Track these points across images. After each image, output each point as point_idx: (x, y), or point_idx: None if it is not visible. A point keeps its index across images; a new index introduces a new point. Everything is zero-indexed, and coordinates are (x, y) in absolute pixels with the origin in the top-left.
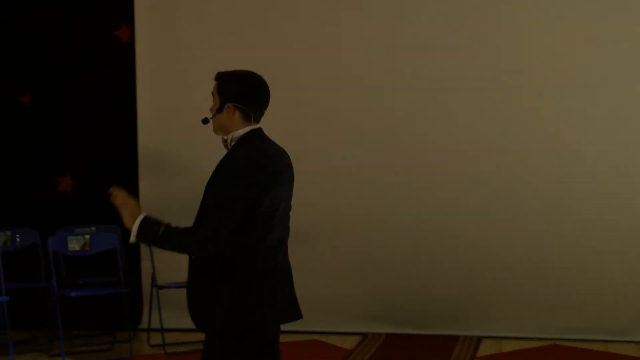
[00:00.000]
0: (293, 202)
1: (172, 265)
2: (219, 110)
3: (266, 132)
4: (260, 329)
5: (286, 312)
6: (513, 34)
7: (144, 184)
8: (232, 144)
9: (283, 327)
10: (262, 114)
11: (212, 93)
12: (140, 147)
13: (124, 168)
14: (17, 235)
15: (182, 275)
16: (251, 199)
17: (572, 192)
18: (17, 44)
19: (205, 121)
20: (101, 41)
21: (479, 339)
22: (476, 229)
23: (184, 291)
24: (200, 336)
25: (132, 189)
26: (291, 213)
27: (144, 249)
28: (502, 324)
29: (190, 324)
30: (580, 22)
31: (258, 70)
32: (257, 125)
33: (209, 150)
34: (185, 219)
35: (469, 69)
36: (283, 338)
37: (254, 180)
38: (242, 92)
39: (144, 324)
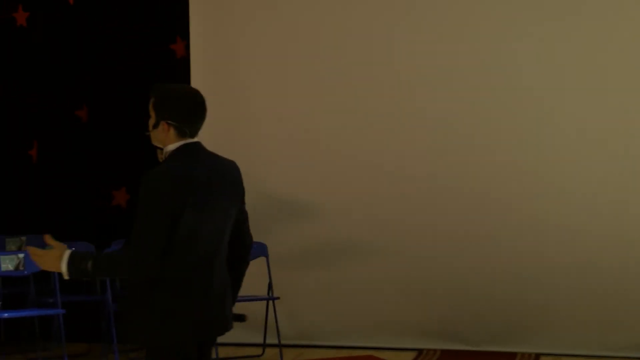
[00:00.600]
0: (339, 220)
1: None
2: (154, 126)
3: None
4: (176, 346)
5: (206, 330)
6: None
7: None
8: (165, 157)
9: (340, 343)
10: (198, 128)
11: (149, 108)
12: None
13: None
14: (73, 249)
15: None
16: (170, 217)
17: (636, 203)
18: (73, 58)
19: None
20: (157, 54)
21: (538, 356)
22: (534, 243)
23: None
24: (253, 351)
25: None
26: (347, 231)
27: None
28: (562, 341)
29: (243, 339)
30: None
31: (313, 82)
32: (193, 139)
33: (263, 162)
34: None
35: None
36: (337, 353)
37: (166, 198)
38: (176, 109)
39: None
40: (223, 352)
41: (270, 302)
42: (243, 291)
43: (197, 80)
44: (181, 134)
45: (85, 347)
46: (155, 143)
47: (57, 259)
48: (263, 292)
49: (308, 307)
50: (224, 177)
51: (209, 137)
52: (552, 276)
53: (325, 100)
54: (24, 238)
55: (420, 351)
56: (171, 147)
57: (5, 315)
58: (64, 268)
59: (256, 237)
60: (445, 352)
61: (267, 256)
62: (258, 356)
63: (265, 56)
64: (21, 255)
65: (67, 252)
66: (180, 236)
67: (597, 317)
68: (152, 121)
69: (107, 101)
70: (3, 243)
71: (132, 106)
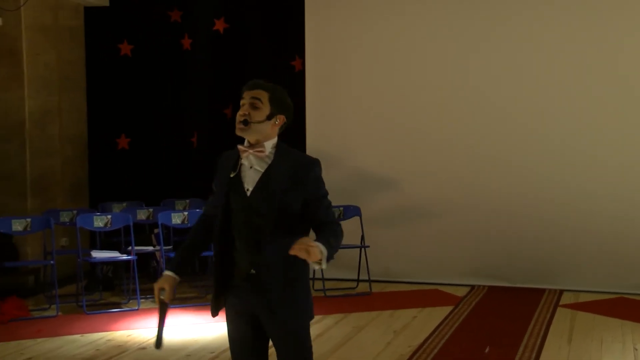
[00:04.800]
0: (412, 189)
1: None
2: (269, 117)
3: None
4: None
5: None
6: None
7: None
8: (271, 150)
9: (413, 279)
10: None
11: (262, 100)
12: (308, 150)
13: None
14: None
15: None
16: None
17: None
18: (222, 72)
19: (245, 123)
20: (281, 69)
21: (561, 291)
22: (562, 206)
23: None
24: (349, 284)
25: None
26: (418, 198)
27: None
28: (580, 280)
29: (342, 276)
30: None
31: (395, 88)
32: None
33: (358, 146)
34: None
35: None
36: (411, 287)
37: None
38: (290, 110)
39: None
40: (328, 284)
41: (363, 249)
42: (343, 241)
43: (311, 88)
44: (279, 132)
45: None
46: (254, 134)
47: None
48: (357, 242)
49: (390, 253)
50: None
51: (319, 130)
52: (573, 234)
53: (401, 100)
54: (188, 201)
55: (472, 287)
56: (273, 141)
57: None
58: None
59: (352, 201)
60: (491, 288)
61: (360, 216)
62: (353, 288)
63: (359, 68)
64: (186, 213)
65: None
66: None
67: (606, 263)
68: (265, 112)
69: None
70: (173, 204)
71: None
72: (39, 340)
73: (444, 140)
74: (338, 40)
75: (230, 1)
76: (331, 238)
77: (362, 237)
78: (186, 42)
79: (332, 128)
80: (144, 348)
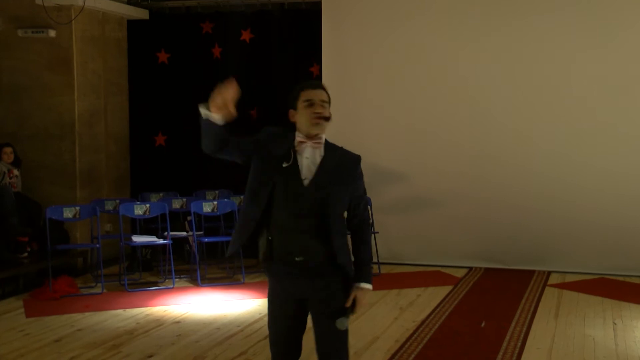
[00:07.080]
0: (417, 181)
1: None
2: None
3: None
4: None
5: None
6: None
7: None
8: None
9: (417, 262)
10: None
11: (327, 99)
12: None
13: None
14: None
15: None
16: None
17: (624, 170)
18: (249, 77)
19: (327, 119)
20: (301, 74)
21: (549, 272)
22: (549, 199)
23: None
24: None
25: None
26: (421, 189)
27: None
28: (566, 263)
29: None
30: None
31: (402, 93)
32: None
33: (370, 142)
34: None
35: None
36: (416, 268)
37: None
38: None
39: None
40: None
41: (373, 234)
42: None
43: None
44: None
45: (255, 261)
46: (323, 129)
47: None
48: None
49: (397, 238)
50: None
51: (338, 128)
52: (560, 221)
53: (409, 103)
54: (217, 191)
55: (470, 268)
56: (325, 135)
57: (206, 240)
58: None
59: None
60: (487, 269)
61: (370, 205)
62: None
63: (370, 73)
64: (215, 202)
65: None
66: None
67: (589, 247)
68: (329, 110)
69: (271, 104)
70: (204, 195)
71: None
72: (87, 314)
73: (448, 140)
74: (350, 48)
75: (255, 14)
76: (366, 259)
77: (372, 224)
78: (216, 51)
79: (346, 127)
80: (178, 322)
